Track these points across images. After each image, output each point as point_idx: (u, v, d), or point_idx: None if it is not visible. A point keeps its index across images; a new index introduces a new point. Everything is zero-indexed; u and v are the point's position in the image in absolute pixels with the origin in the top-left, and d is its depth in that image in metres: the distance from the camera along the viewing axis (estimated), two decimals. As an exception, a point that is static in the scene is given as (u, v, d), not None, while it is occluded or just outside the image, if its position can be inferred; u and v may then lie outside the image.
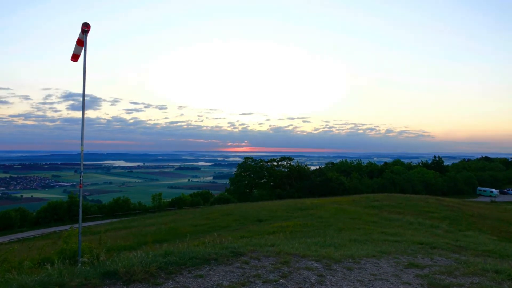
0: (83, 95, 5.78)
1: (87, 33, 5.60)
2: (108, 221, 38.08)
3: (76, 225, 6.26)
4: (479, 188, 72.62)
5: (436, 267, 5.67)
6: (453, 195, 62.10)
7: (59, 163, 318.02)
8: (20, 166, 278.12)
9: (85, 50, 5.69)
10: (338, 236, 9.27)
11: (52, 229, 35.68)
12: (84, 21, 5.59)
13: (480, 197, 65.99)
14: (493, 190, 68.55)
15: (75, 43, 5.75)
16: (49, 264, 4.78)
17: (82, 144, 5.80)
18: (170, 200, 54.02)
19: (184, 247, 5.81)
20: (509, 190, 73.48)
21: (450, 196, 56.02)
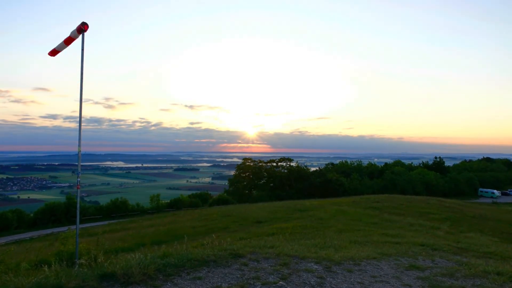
0: (81, 95, 5.73)
1: (84, 33, 5.57)
2: (106, 222, 37.87)
3: (74, 227, 6.20)
4: (480, 189, 72.07)
5: (437, 269, 5.64)
6: (454, 196, 61.62)
7: (57, 163, 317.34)
8: (17, 167, 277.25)
9: (82, 50, 5.65)
10: (338, 237, 9.21)
11: (49, 231, 35.47)
12: (83, 21, 5.57)
13: (482, 198, 65.63)
14: (495, 191, 68.04)
15: (62, 40, 5.71)
16: (46, 266, 4.75)
17: (79, 145, 5.75)
18: (168, 201, 53.80)
19: (182, 248, 5.77)
20: (510, 191, 72.92)
21: (451, 197, 55.65)
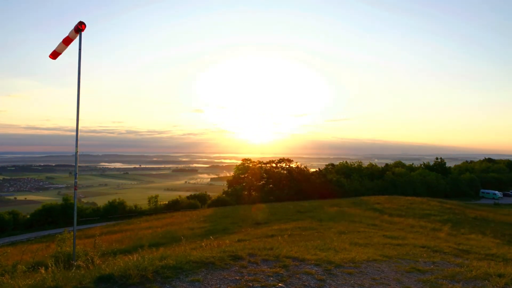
0: (78, 95, 5.68)
1: (81, 32, 5.56)
2: (103, 224, 37.77)
3: (71, 228, 6.15)
4: (482, 190, 71.50)
5: (438, 271, 5.61)
6: (455, 197, 61.28)
7: (54, 164, 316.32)
8: (13, 168, 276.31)
9: (80, 49, 5.64)
10: (338, 239, 9.16)
11: (46, 232, 35.40)
12: (80, 20, 5.55)
13: (483, 199, 65.27)
14: (496, 192, 67.55)
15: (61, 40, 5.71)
16: (43, 268, 4.73)
17: (76, 146, 5.70)
18: (166, 202, 53.66)
19: (180, 250, 5.73)
20: None
21: (453, 198, 55.46)
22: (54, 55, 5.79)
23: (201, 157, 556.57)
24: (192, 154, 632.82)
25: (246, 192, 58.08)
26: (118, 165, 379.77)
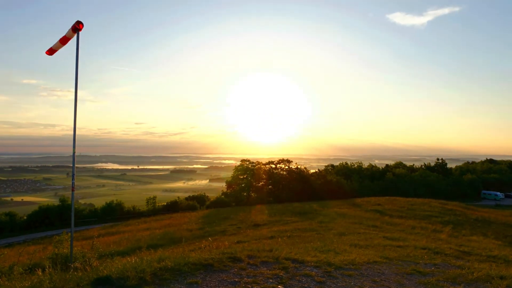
0: (76, 94, 5.64)
1: (79, 32, 5.54)
2: (101, 225, 37.63)
3: (68, 230, 6.09)
4: (483, 191, 71.06)
5: (439, 273, 5.59)
6: (456, 198, 60.75)
7: (51, 165, 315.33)
8: (10, 169, 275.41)
9: (77, 49, 5.61)
10: (339, 240, 9.13)
11: (43, 234, 35.24)
12: (77, 19, 5.54)
13: (485, 200, 65.03)
14: (498, 193, 67.28)
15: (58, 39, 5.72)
16: (40, 270, 4.71)
17: (74, 146, 5.65)
18: (165, 203, 53.52)
19: (179, 252, 5.69)
20: None
21: (454, 199, 55.08)
22: (51, 51, 5.85)
23: (201, 158, 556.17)
24: (191, 155, 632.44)
25: (245, 193, 57.97)
26: (116, 166, 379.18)
